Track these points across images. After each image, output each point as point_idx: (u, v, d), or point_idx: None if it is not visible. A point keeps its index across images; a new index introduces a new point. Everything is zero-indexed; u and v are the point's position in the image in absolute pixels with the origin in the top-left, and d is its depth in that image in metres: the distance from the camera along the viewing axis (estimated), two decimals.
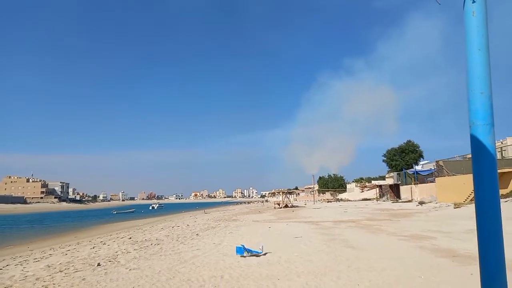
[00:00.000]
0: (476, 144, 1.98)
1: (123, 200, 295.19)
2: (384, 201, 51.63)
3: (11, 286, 8.41)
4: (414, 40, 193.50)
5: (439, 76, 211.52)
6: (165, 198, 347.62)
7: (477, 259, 1.94)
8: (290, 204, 49.74)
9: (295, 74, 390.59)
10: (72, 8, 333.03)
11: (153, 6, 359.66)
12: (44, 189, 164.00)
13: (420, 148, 65.22)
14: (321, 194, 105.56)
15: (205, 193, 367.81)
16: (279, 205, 49.02)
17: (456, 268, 7.73)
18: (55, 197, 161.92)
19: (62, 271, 9.80)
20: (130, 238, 18.12)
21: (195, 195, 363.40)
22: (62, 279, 8.64)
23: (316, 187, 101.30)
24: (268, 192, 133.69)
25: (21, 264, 12.07)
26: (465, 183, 28.90)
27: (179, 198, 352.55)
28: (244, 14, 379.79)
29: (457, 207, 25.33)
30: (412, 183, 45.28)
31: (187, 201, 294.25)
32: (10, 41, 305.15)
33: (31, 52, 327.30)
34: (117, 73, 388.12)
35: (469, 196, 28.36)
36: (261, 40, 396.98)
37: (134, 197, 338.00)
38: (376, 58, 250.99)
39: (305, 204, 59.07)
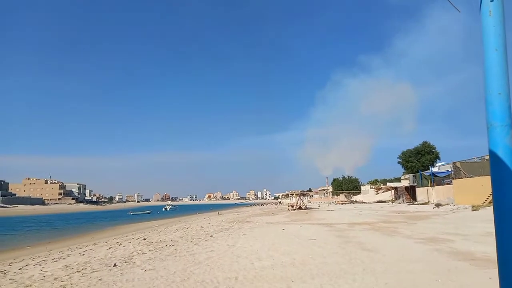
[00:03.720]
0: (494, 145, 1.94)
1: (138, 202, 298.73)
2: (399, 203, 50.93)
3: (30, 286, 8.60)
4: (434, 34, 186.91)
5: (460, 71, 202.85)
6: (179, 199, 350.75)
7: (496, 262, 1.90)
8: (304, 206, 49.52)
9: (309, 72, 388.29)
10: (81, 9, 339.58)
11: (161, 5, 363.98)
12: (62, 191, 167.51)
13: (436, 149, 64.17)
14: (335, 196, 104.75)
15: (219, 194, 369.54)
16: (292, 207, 48.85)
17: (475, 272, 7.57)
18: (72, 198, 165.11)
19: (79, 271, 9.98)
20: (145, 239, 18.31)
21: (209, 196, 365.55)
22: (79, 279, 8.80)
23: (330, 188, 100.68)
24: (281, 194, 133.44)
25: (40, 264, 12.34)
26: (483, 185, 28.28)
27: (193, 200, 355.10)
28: (254, 12, 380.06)
29: (475, 210, 24.81)
30: (429, 185, 44.54)
31: (201, 202, 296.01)
32: (33, 41, 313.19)
33: (42, 52, 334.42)
34: (130, 74, 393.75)
35: (487, 198, 27.74)
36: (273, 38, 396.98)
37: (149, 199, 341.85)
38: (393, 54, 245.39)
39: (319, 206, 58.71)
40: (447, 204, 33.10)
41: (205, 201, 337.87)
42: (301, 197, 52.77)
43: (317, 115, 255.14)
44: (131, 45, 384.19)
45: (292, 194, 58.90)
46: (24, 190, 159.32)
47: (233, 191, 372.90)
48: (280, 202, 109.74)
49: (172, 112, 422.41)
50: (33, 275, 10.08)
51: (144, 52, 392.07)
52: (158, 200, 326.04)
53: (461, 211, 25.70)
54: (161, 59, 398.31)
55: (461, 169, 37.26)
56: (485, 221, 18.05)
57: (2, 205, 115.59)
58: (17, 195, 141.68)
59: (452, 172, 39.82)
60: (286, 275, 7.95)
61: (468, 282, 6.87)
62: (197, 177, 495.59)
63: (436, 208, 31.86)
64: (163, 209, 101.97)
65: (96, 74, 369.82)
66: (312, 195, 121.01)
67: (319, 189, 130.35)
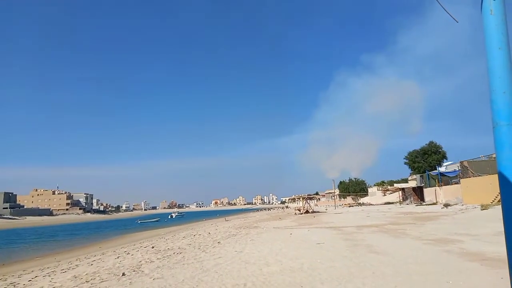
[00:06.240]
0: (500, 144, 1.93)
1: (145, 210, 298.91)
2: (407, 204, 50.59)
3: None
4: (439, 29, 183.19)
5: (467, 67, 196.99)
6: (186, 206, 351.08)
7: (507, 262, 1.88)
8: (311, 210, 49.31)
9: (312, 73, 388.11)
10: (87, 21, 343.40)
11: (165, 11, 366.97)
12: (69, 201, 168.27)
13: (443, 149, 63.75)
14: (342, 199, 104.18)
15: (225, 200, 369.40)
16: (299, 211, 48.68)
17: (486, 272, 7.47)
18: (80, 208, 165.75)
19: (88, 281, 9.99)
20: (153, 247, 18.32)
21: (216, 202, 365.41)
22: None
23: (337, 191, 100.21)
24: (288, 198, 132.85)
25: (49, 275, 12.39)
26: (491, 184, 28.02)
27: (200, 206, 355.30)
28: (254, 13, 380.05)
29: (484, 209, 24.55)
30: (436, 185, 44.21)
31: (208, 209, 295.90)
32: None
33: (39, 63, 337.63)
34: (135, 82, 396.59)
35: (496, 197, 27.45)
36: (274, 39, 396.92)
37: (156, 206, 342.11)
38: (397, 52, 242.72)
39: (326, 210, 58.42)
40: (456, 204, 32.81)
41: (212, 207, 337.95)
42: (308, 200, 52.50)
43: (322, 117, 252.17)
44: (136, 54, 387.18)
45: (299, 198, 58.70)
46: (32, 202, 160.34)
47: (240, 197, 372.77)
48: (287, 207, 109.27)
49: (176, 119, 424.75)
50: (42, 287, 10.11)
51: (149, 58, 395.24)
52: (165, 208, 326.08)
53: (470, 211, 25.45)
54: (163, 66, 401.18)
55: (468, 168, 36.95)
56: (494, 220, 17.85)
57: (10, 217, 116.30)
58: (25, 207, 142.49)
59: (460, 172, 39.51)
60: (295, 280, 7.90)
61: (479, 283, 6.78)
62: (203, 184, 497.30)
63: (445, 208, 31.58)
64: (169, 217, 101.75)
65: (103, 84, 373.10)
66: (319, 199, 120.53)
67: (326, 192, 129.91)
